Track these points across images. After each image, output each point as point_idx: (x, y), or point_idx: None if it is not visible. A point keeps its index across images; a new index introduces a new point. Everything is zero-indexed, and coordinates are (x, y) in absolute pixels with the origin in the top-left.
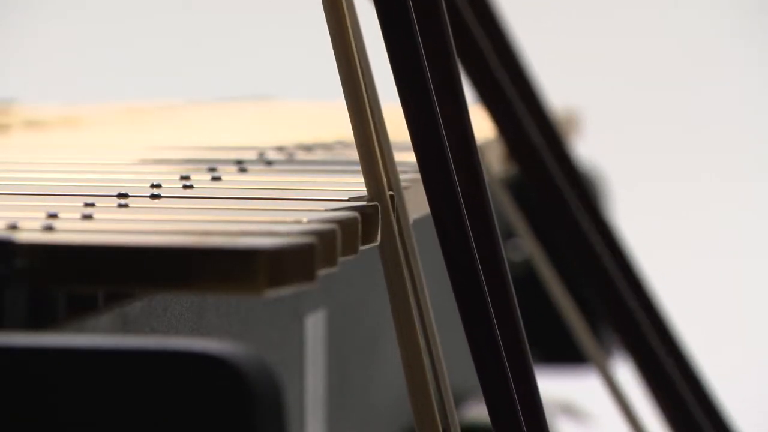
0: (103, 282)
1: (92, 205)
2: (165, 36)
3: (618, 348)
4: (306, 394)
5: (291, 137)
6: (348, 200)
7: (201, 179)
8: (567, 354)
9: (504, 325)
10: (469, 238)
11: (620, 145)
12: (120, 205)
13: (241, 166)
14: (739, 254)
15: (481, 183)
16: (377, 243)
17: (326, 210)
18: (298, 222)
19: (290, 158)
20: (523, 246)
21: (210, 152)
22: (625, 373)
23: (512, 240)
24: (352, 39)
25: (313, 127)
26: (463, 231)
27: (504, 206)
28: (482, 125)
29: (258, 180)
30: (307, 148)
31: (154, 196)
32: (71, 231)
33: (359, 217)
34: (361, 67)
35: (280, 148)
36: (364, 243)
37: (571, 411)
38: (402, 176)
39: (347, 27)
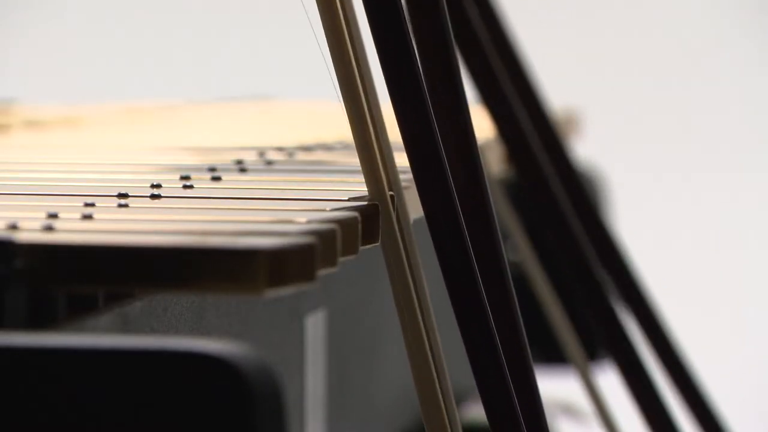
0: (103, 282)
1: (92, 205)
2: (165, 36)
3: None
4: (306, 394)
5: (291, 137)
6: (348, 200)
7: (201, 179)
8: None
9: (504, 325)
10: (465, 240)
11: (620, 145)
12: (120, 205)
13: (241, 166)
14: (740, 254)
15: (482, 183)
16: (377, 243)
17: (326, 210)
18: (292, 222)
19: (290, 158)
20: (516, 246)
21: (210, 152)
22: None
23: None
24: (347, 38)
25: (313, 127)
26: (459, 234)
27: (499, 206)
28: (482, 125)
29: (258, 180)
30: (307, 148)
31: (154, 196)
32: (71, 231)
33: (359, 217)
34: (359, 67)
35: (280, 148)
36: (364, 243)
37: (571, 411)
38: (402, 176)
39: (342, 27)
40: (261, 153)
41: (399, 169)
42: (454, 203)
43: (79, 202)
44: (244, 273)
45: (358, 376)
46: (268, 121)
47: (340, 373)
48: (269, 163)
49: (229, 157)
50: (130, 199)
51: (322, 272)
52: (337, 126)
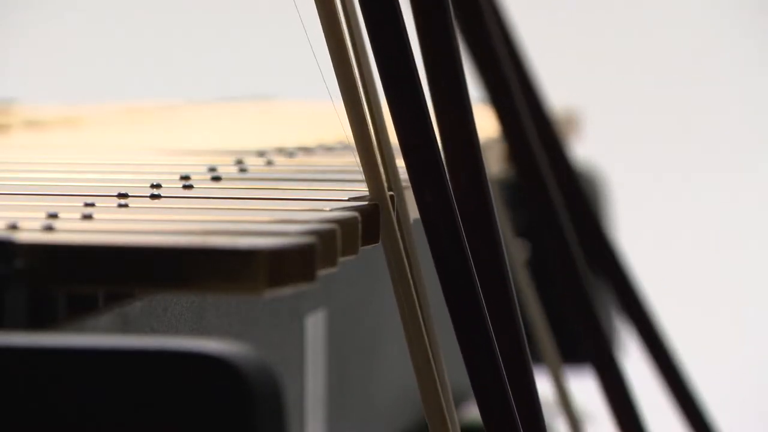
0: (103, 282)
1: (92, 205)
2: (165, 36)
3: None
4: (306, 394)
5: (291, 137)
6: (348, 200)
7: (201, 179)
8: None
9: (505, 326)
10: (463, 245)
11: (620, 145)
12: (120, 205)
13: (241, 166)
14: (740, 254)
15: (484, 183)
16: (377, 243)
17: (326, 210)
18: (292, 222)
19: (290, 158)
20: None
21: (210, 152)
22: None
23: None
24: (348, 38)
25: (314, 127)
26: (457, 238)
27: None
28: (483, 125)
29: (258, 180)
30: (308, 148)
31: (154, 196)
32: (71, 231)
33: (359, 217)
34: (360, 67)
35: (280, 149)
36: (364, 243)
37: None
38: (402, 176)
39: (342, 26)
40: (261, 153)
41: (399, 169)
42: (452, 208)
43: (79, 202)
44: (244, 273)
45: (358, 376)
46: (268, 121)
47: (340, 373)
48: (269, 163)
49: (229, 157)
50: (130, 199)
51: (322, 272)
52: (338, 126)
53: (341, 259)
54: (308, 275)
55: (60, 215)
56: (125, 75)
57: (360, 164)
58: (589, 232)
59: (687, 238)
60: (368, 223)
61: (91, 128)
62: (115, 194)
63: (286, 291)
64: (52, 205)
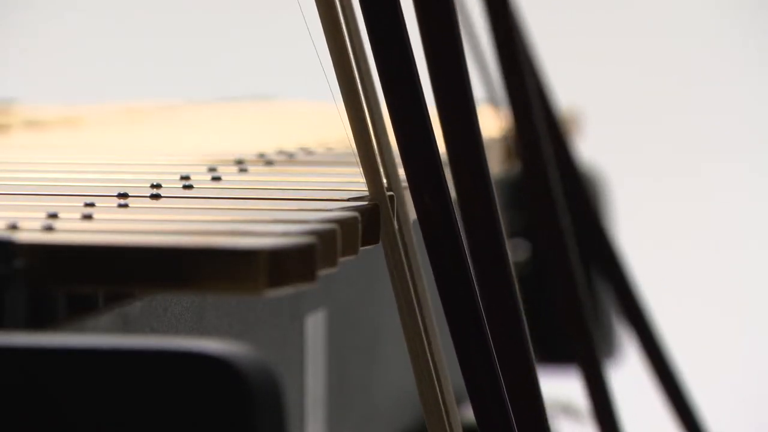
0: (103, 282)
1: (92, 205)
2: (165, 36)
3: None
4: (306, 394)
5: (291, 137)
6: (348, 200)
7: (201, 179)
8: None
9: (509, 328)
10: (462, 247)
11: (620, 145)
12: (120, 205)
13: (241, 166)
14: (740, 254)
15: (488, 183)
16: (377, 243)
17: (326, 210)
18: (292, 222)
19: (290, 158)
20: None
21: (210, 152)
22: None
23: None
24: (347, 39)
25: (314, 127)
26: (455, 240)
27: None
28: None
29: (258, 180)
30: (308, 148)
31: (154, 196)
32: (71, 231)
33: (359, 217)
34: (359, 67)
35: (280, 149)
36: (364, 243)
37: (571, 411)
38: (402, 176)
39: (342, 27)
40: (261, 153)
41: (399, 169)
42: (450, 211)
43: (79, 202)
44: (244, 273)
45: (358, 376)
46: (268, 121)
47: (340, 373)
48: (269, 163)
49: (229, 157)
50: (130, 199)
51: (322, 272)
52: (338, 126)
53: (341, 259)
54: (308, 275)
55: (60, 215)
56: (125, 75)
57: (360, 165)
58: (590, 234)
59: (687, 238)
60: (368, 223)
61: (91, 128)
62: (115, 194)
63: (286, 291)
64: (52, 205)
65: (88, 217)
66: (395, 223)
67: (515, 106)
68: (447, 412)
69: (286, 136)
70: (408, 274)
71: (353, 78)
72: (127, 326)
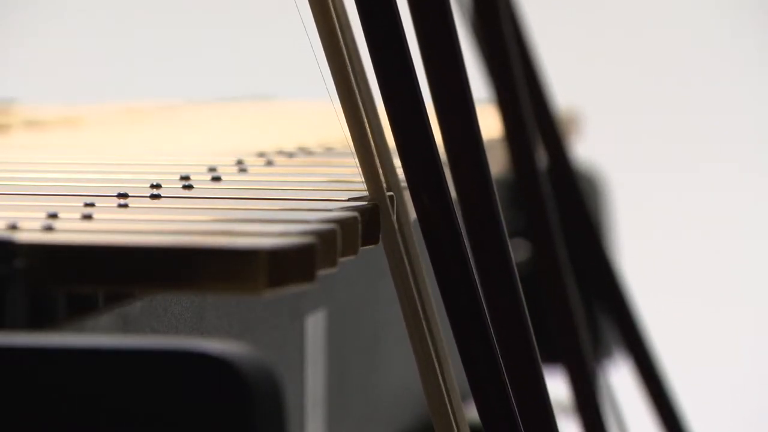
0: (103, 282)
1: (92, 205)
2: (165, 36)
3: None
4: (306, 394)
5: (291, 137)
6: (348, 200)
7: (201, 179)
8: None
9: (514, 328)
10: (462, 247)
11: (620, 145)
12: (120, 205)
13: (241, 166)
14: (740, 254)
15: (489, 183)
16: (377, 243)
17: (326, 210)
18: (292, 222)
19: (290, 158)
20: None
21: (210, 152)
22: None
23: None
24: (342, 40)
25: (314, 127)
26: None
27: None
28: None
29: (258, 180)
30: (307, 148)
31: (154, 196)
32: (71, 231)
33: (359, 217)
34: (354, 68)
35: (280, 149)
36: (364, 243)
37: (565, 410)
38: (402, 177)
39: (336, 28)
40: (261, 153)
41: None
42: (450, 211)
43: (79, 202)
44: (244, 273)
45: (358, 376)
46: (268, 121)
47: (340, 373)
48: (269, 163)
49: (229, 157)
50: (130, 199)
51: (322, 272)
52: (338, 126)
53: (341, 259)
54: (308, 275)
55: (60, 215)
56: (125, 75)
57: (359, 165)
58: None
59: (687, 237)
60: (368, 223)
61: (91, 128)
62: (115, 194)
63: (286, 291)
64: (52, 205)
65: (88, 217)
66: (395, 223)
67: (504, 105)
68: (453, 410)
69: (286, 136)
70: (410, 274)
71: (349, 79)
72: (127, 326)
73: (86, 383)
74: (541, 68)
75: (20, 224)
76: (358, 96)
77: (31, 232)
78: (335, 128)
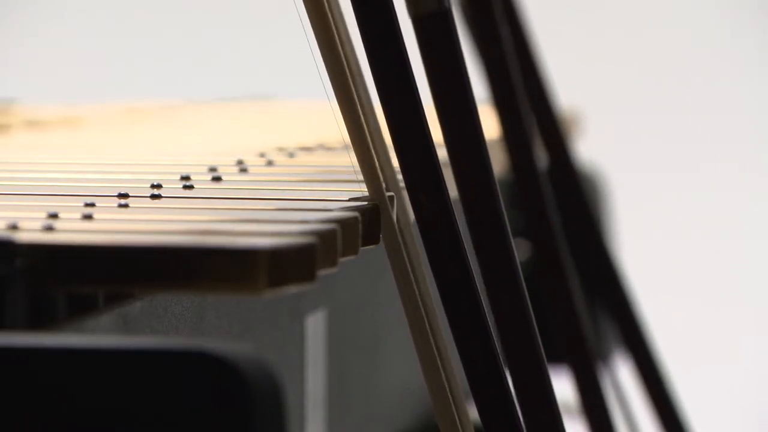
0: (103, 282)
1: (92, 205)
2: (165, 36)
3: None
4: (306, 394)
5: (291, 137)
6: (348, 200)
7: (201, 179)
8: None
9: (518, 328)
10: (461, 246)
11: (620, 144)
12: (120, 205)
13: (241, 166)
14: (741, 253)
15: (492, 183)
16: (377, 243)
17: (327, 210)
18: (292, 222)
19: (290, 158)
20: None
21: (210, 152)
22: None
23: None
24: (339, 42)
25: (314, 127)
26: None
27: None
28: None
29: (258, 180)
30: (308, 148)
31: (154, 196)
32: (71, 231)
33: (359, 217)
34: (350, 69)
35: (280, 149)
36: (364, 243)
37: (571, 411)
38: (400, 177)
39: (333, 30)
40: (261, 153)
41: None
42: (449, 211)
43: (79, 202)
44: (244, 273)
45: (358, 376)
46: (268, 121)
47: (340, 373)
48: (269, 163)
49: (229, 157)
50: (130, 199)
51: (322, 272)
52: (338, 126)
53: (341, 259)
54: (308, 275)
55: (60, 215)
56: (125, 75)
57: (359, 165)
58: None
59: (687, 237)
60: (368, 223)
61: (91, 128)
62: (116, 194)
63: (286, 291)
64: (52, 205)
65: (88, 217)
66: (395, 223)
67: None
68: (457, 408)
69: (286, 136)
70: (411, 274)
71: (347, 79)
72: (127, 326)
73: (86, 383)
74: (543, 68)
75: (20, 224)
76: (355, 97)
77: (31, 232)
78: (335, 128)
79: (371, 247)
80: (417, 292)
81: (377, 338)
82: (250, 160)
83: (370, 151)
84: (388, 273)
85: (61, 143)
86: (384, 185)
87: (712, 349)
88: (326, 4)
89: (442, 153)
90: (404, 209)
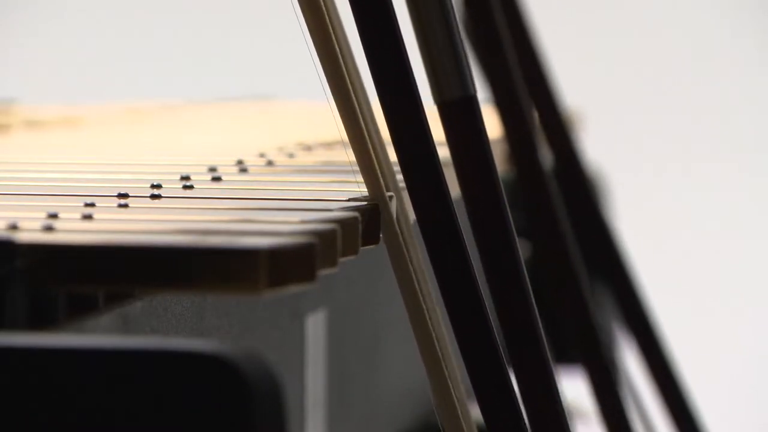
0: (103, 282)
1: (92, 205)
2: (165, 36)
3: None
4: (306, 394)
5: (291, 137)
6: (348, 200)
7: (201, 179)
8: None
9: (523, 327)
10: (463, 246)
11: (620, 144)
12: (120, 205)
13: (241, 166)
14: (741, 253)
15: (497, 183)
16: (377, 243)
17: (327, 210)
18: (292, 222)
19: (290, 158)
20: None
21: (210, 152)
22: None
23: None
24: (336, 41)
25: (313, 127)
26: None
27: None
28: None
29: (258, 180)
30: (307, 148)
31: (154, 196)
32: (71, 231)
33: (359, 217)
34: (348, 70)
35: (280, 148)
36: (364, 243)
37: (571, 411)
38: (399, 176)
39: (330, 31)
40: (261, 153)
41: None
42: (450, 210)
43: (79, 202)
44: (244, 273)
45: (358, 376)
46: (268, 121)
47: (340, 373)
48: (269, 163)
49: (229, 157)
50: (130, 199)
51: (322, 272)
52: (337, 126)
53: (341, 259)
54: (308, 275)
55: (60, 215)
56: (125, 75)
57: (358, 166)
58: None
59: (687, 237)
60: (368, 223)
61: (91, 128)
62: (115, 194)
63: (286, 291)
64: (52, 205)
65: (88, 217)
66: (396, 223)
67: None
68: (460, 407)
69: (286, 136)
70: (412, 272)
71: (345, 80)
72: (127, 326)
73: (86, 383)
74: (548, 67)
75: (20, 224)
76: (353, 97)
77: (31, 232)
78: (335, 128)
79: (371, 247)
80: (419, 292)
81: (377, 338)
82: (250, 160)
83: (369, 151)
84: (388, 273)
85: (61, 143)
86: (384, 185)
87: (711, 346)
88: (322, 4)
89: (443, 152)
90: (404, 209)
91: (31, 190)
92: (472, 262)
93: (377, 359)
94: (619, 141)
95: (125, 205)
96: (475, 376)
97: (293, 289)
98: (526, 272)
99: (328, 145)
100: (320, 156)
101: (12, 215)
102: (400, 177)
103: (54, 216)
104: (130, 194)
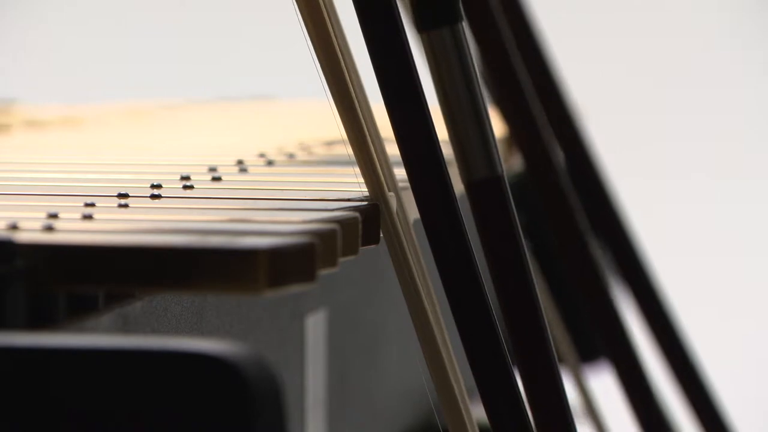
0: (103, 282)
1: (92, 205)
2: (165, 36)
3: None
4: (306, 394)
5: (291, 137)
6: (348, 200)
7: (201, 179)
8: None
9: (528, 327)
10: (467, 244)
11: (620, 144)
12: (120, 205)
13: (241, 166)
14: (741, 253)
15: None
16: (377, 243)
17: (326, 210)
18: (292, 222)
19: (290, 158)
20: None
21: (210, 152)
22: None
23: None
24: (336, 42)
25: (313, 127)
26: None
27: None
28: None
29: (258, 180)
30: (307, 148)
31: (154, 196)
32: (71, 231)
33: (360, 217)
34: (348, 70)
35: (280, 149)
36: (364, 243)
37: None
38: (399, 176)
39: (330, 31)
40: (261, 153)
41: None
42: (453, 205)
43: (79, 202)
44: (244, 273)
45: (358, 376)
46: (268, 121)
47: (340, 373)
48: (269, 163)
49: (229, 157)
50: (130, 199)
51: (322, 272)
52: (337, 126)
53: (341, 259)
54: (308, 275)
55: (60, 215)
56: (125, 75)
57: (359, 166)
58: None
59: (688, 237)
60: (368, 223)
61: (91, 128)
62: (116, 194)
63: (286, 291)
64: (52, 205)
65: (88, 217)
66: (397, 223)
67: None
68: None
69: (286, 136)
70: (415, 273)
71: (344, 80)
72: (127, 326)
73: (86, 383)
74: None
75: (20, 224)
76: (354, 97)
77: (31, 232)
78: (335, 128)
79: (371, 247)
80: (420, 291)
81: (377, 338)
82: (250, 160)
83: (369, 150)
84: (388, 273)
85: (61, 143)
86: (384, 185)
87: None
88: (322, 5)
89: (446, 151)
90: (404, 209)
91: (31, 190)
92: (476, 259)
93: (377, 359)
94: (618, 142)
95: (125, 205)
96: (480, 374)
97: (293, 289)
98: (531, 270)
99: (328, 145)
100: (320, 156)
101: (12, 215)
102: (400, 177)
103: (54, 216)
104: (130, 194)
